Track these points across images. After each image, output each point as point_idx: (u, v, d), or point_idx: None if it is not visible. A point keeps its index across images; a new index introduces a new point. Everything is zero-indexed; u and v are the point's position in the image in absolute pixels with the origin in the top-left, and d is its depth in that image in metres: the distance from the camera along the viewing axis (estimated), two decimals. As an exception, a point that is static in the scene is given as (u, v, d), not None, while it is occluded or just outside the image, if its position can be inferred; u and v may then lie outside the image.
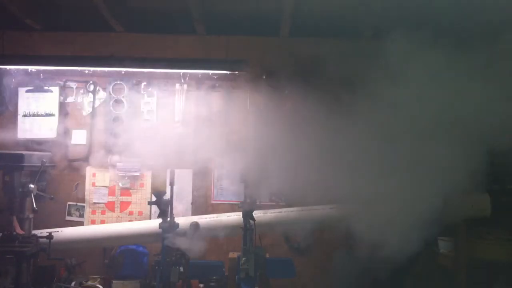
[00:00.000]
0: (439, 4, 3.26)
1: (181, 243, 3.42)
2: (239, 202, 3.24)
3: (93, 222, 3.99)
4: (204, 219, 3.65)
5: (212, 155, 4.02)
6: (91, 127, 4.06)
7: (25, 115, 4.03)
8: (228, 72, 3.78)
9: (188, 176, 4.01)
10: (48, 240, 3.35)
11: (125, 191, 4.03)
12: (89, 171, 4.03)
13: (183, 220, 3.49)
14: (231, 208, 3.87)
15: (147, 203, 3.69)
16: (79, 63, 3.84)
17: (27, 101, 4.04)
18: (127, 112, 4.03)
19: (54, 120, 4.03)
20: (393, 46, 3.08)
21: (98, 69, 3.93)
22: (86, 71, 3.98)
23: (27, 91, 4.04)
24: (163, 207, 3.37)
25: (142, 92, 4.06)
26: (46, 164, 3.56)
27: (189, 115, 4.04)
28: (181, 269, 3.26)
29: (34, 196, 3.42)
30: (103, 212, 4.02)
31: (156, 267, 3.27)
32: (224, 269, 3.57)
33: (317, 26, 3.93)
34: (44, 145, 4.02)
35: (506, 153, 3.31)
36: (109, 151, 4.03)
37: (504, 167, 3.56)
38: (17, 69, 3.94)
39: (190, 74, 3.98)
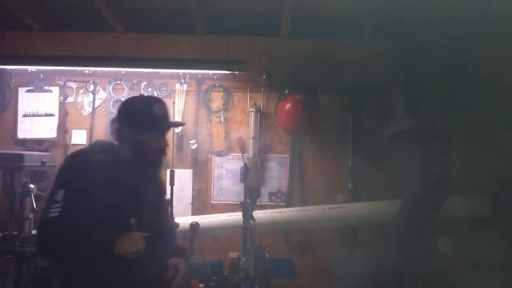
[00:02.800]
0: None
1: (181, 243, 3.42)
2: (239, 202, 3.24)
3: (93, 222, 3.98)
4: (204, 219, 3.65)
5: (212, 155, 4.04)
6: (91, 127, 4.06)
7: (25, 115, 4.03)
8: (228, 72, 3.77)
9: (188, 176, 4.01)
10: (48, 240, 3.35)
11: (125, 191, 4.02)
12: (89, 171, 4.02)
13: (183, 220, 3.49)
14: (231, 208, 3.87)
15: (147, 203, 3.68)
16: (79, 63, 3.83)
17: (27, 101, 4.03)
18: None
19: (54, 120, 4.03)
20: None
21: (98, 69, 3.92)
22: (86, 71, 3.97)
23: (27, 91, 4.04)
24: (163, 207, 3.37)
25: (142, 92, 4.06)
26: (46, 164, 3.55)
27: (189, 114, 4.04)
28: (181, 269, 3.26)
29: (34, 196, 3.41)
30: (103, 212, 4.01)
31: (156, 267, 3.27)
32: (224, 269, 3.57)
33: (317, 26, 3.93)
34: (44, 145, 4.02)
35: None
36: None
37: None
38: (17, 69, 3.94)
39: (190, 74, 3.98)
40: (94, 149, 2.22)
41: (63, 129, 4.04)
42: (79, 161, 2.10)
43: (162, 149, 2.26)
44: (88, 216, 1.95)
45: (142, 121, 2.20)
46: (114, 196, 2.02)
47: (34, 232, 3.52)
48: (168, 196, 3.35)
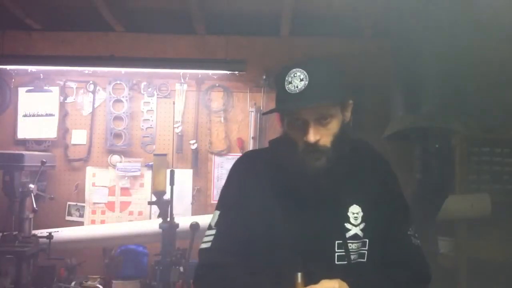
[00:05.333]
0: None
1: (181, 243, 3.43)
2: (239, 202, 3.22)
3: (93, 222, 3.99)
4: (204, 219, 3.64)
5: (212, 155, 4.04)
6: (91, 127, 4.06)
7: (25, 115, 4.03)
8: (228, 72, 3.77)
9: (188, 176, 4.01)
10: (48, 240, 3.35)
11: (125, 191, 4.02)
12: (89, 171, 4.03)
13: (183, 220, 3.49)
14: (231, 208, 3.86)
15: (147, 203, 3.68)
16: (79, 63, 3.83)
17: (27, 101, 4.03)
18: (127, 112, 4.03)
19: (54, 120, 4.03)
20: None
21: (98, 69, 3.92)
22: (86, 71, 3.97)
23: (27, 91, 4.04)
24: (163, 207, 3.37)
25: (142, 92, 4.06)
26: (46, 164, 3.56)
27: (189, 115, 4.04)
28: (181, 269, 3.26)
29: (34, 196, 3.42)
30: (103, 212, 4.01)
31: (156, 267, 3.27)
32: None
33: (317, 26, 3.93)
34: (44, 145, 4.02)
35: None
36: (109, 151, 4.03)
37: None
38: (17, 69, 3.94)
39: (190, 74, 3.98)
40: (267, 151, 1.60)
41: (63, 129, 4.04)
42: (243, 167, 1.59)
43: (308, 146, 1.41)
44: (240, 252, 1.43)
45: (277, 104, 1.46)
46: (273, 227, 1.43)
47: (34, 232, 3.53)
48: (168, 196, 3.35)
